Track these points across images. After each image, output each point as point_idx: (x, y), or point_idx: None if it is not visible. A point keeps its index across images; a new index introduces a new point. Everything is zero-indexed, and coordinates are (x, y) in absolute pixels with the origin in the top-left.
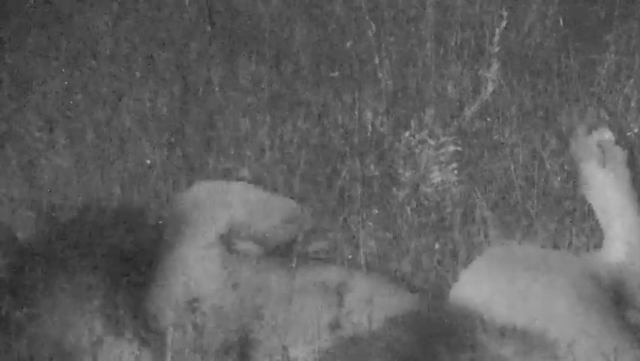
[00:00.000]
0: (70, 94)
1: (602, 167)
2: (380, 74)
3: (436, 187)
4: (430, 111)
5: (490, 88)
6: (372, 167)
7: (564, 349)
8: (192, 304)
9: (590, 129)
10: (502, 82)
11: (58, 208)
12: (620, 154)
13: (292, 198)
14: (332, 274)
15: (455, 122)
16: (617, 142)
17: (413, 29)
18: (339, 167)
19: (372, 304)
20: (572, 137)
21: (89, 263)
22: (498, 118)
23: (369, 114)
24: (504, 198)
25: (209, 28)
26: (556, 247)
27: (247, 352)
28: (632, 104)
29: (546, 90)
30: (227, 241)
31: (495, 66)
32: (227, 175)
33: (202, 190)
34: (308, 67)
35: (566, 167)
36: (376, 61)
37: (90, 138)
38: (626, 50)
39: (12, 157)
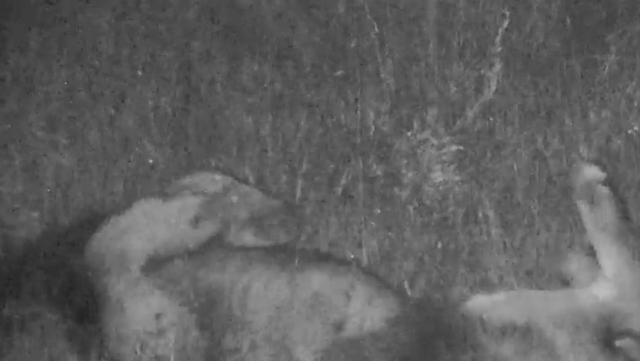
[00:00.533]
0: (73, 93)
1: (590, 206)
2: (382, 74)
3: (439, 187)
4: (433, 111)
5: (493, 88)
6: (374, 167)
7: (564, 348)
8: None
9: (581, 167)
10: (504, 82)
11: (62, 208)
12: (606, 194)
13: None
14: (335, 275)
15: (457, 122)
16: (604, 182)
17: (416, 29)
18: (341, 167)
19: (373, 305)
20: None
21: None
22: (500, 118)
23: (371, 114)
24: (506, 197)
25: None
26: (557, 246)
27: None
28: (635, 103)
29: (547, 90)
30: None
31: (497, 66)
32: (230, 174)
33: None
34: (310, 66)
35: (566, 167)
36: (379, 60)
37: (93, 137)
38: (628, 50)
39: (15, 157)
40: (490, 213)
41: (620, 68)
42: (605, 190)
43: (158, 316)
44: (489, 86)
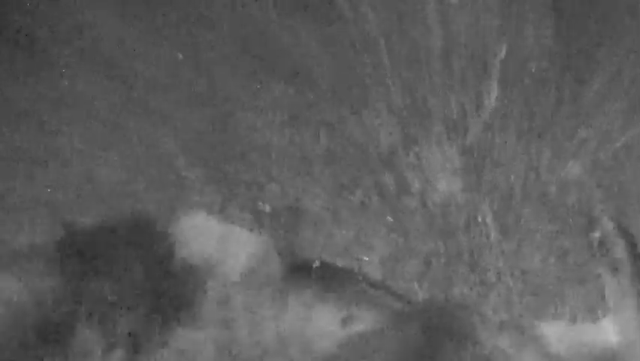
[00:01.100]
0: (115, 114)
1: (602, 260)
2: (393, 94)
3: (443, 195)
4: (438, 128)
5: (491, 107)
6: (385, 178)
7: (555, 345)
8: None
9: (595, 223)
10: (501, 102)
11: (111, 219)
12: (620, 249)
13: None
14: (346, 282)
15: (460, 138)
16: (617, 234)
17: (423, 57)
18: (356, 179)
19: (380, 304)
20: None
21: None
22: (498, 134)
23: (381, 130)
24: (503, 205)
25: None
26: (552, 249)
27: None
28: (620, 121)
29: (540, 109)
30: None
31: (495, 89)
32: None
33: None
34: (325, 86)
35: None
36: (389, 82)
37: (138, 152)
38: (615, 70)
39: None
40: (489, 219)
41: (608, 87)
42: (622, 243)
43: None
44: (488, 106)
